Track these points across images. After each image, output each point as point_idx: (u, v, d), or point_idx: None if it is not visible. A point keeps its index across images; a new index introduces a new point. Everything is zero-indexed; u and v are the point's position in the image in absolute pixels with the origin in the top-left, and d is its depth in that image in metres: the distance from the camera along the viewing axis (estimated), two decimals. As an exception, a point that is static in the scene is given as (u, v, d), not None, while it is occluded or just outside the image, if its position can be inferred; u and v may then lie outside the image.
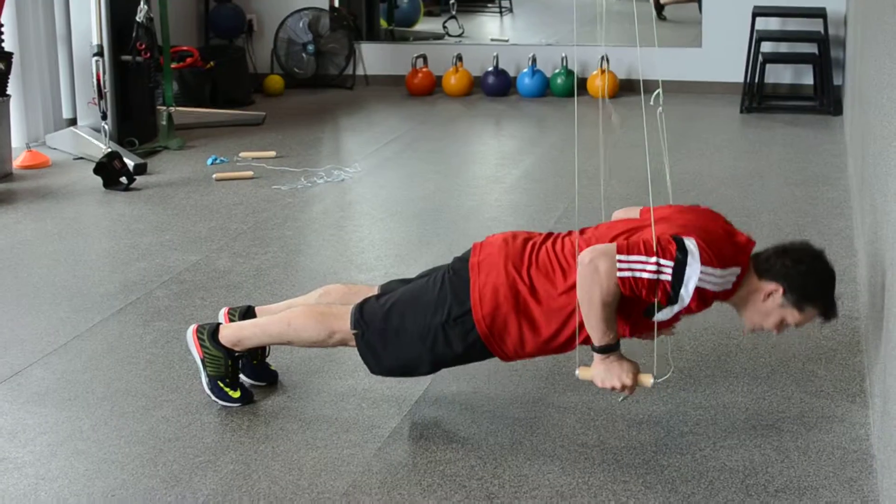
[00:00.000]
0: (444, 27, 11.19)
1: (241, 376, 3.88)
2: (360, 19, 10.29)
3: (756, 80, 8.65)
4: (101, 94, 7.01)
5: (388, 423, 3.69)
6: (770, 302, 3.39)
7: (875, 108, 4.67)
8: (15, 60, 7.10)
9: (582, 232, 3.49)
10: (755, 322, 3.46)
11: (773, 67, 8.95)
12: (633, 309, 3.35)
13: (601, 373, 3.36)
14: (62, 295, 4.87)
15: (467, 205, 6.29)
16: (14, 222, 5.98)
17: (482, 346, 3.48)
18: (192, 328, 3.84)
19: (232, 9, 9.80)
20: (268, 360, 3.97)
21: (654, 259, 3.22)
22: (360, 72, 9.90)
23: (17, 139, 7.25)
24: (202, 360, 3.79)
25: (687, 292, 3.26)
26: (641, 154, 3.58)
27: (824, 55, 8.57)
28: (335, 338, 3.63)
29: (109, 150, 6.71)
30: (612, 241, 3.37)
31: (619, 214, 3.72)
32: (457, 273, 3.52)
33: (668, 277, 3.24)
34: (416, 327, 3.50)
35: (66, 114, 7.96)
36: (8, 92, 6.93)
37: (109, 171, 6.58)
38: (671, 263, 3.23)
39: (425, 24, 11.70)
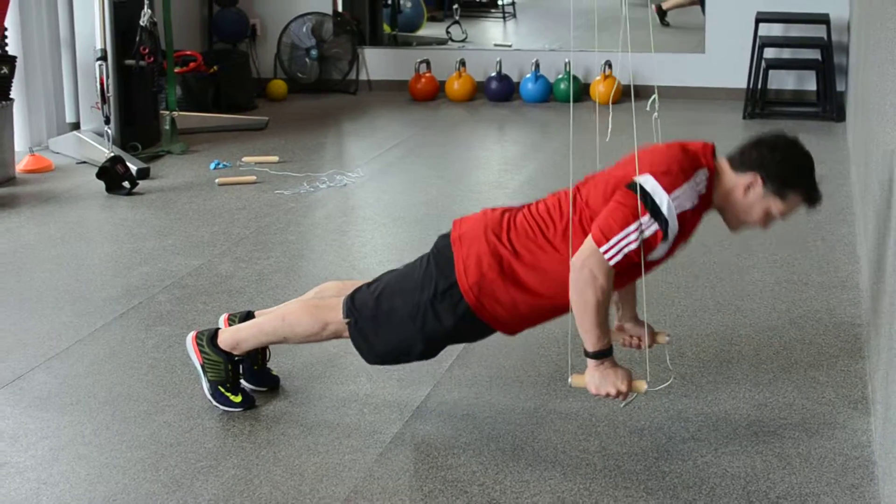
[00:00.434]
0: (448, 32, 11.20)
1: (243, 382, 3.88)
2: (364, 24, 10.29)
3: (759, 85, 8.64)
4: (104, 99, 7.01)
5: (390, 429, 3.69)
6: (751, 194, 3.38)
7: (878, 115, 4.67)
8: (18, 64, 7.10)
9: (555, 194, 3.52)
10: (740, 218, 3.44)
11: (776, 73, 8.95)
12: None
13: (595, 380, 3.35)
14: (64, 299, 4.88)
15: (470, 210, 6.22)
16: (17, 226, 5.99)
17: (473, 316, 3.46)
18: (191, 335, 3.84)
19: (235, 13, 9.81)
20: (269, 365, 3.97)
21: (632, 227, 3.22)
22: (363, 77, 9.91)
23: (20, 143, 7.25)
24: (202, 366, 3.80)
25: (673, 225, 3.26)
26: (635, 161, 3.58)
27: (827, 61, 8.57)
28: (329, 329, 3.63)
29: (112, 154, 6.71)
30: (587, 196, 3.39)
31: None
32: (440, 250, 3.54)
33: (655, 227, 3.24)
34: (405, 307, 3.50)
35: (70, 118, 7.96)
36: (11, 96, 6.94)
37: (112, 176, 6.58)
38: (647, 217, 3.23)
39: (429, 30, 11.71)
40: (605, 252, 3.24)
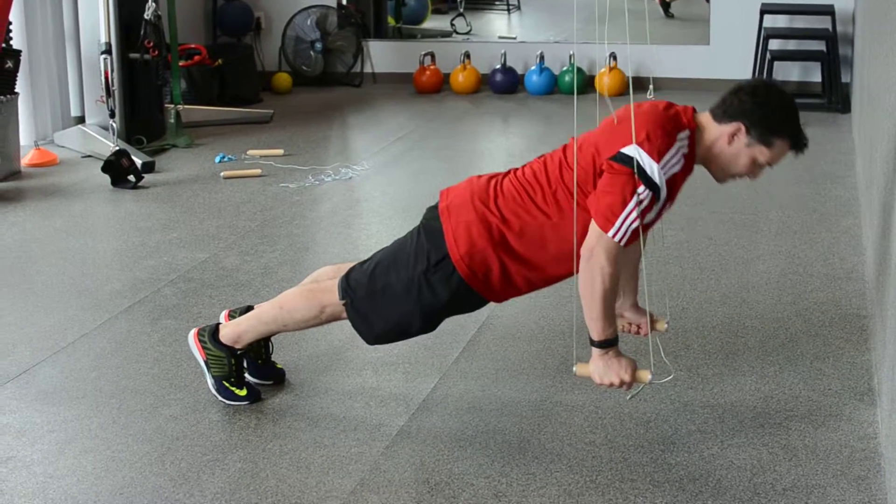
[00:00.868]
0: (452, 25, 11.19)
1: (248, 376, 3.88)
2: (368, 17, 10.29)
3: (764, 77, 8.63)
4: (109, 92, 7.01)
5: (396, 422, 3.69)
6: (736, 143, 3.36)
7: (883, 106, 4.67)
8: (23, 58, 7.11)
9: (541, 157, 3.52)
10: (726, 169, 3.42)
11: (780, 65, 8.93)
12: None
13: (599, 369, 3.34)
14: (70, 293, 4.88)
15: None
16: (22, 220, 6.00)
17: (467, 288, 3.45)
18: (192, 332, 3.84)
19: (240, 6, 9.81)
20: (274, 358, 3.98)
21: (633, 202, 3.21)
22: (367, 69, 9.91)
23: (25, 137, 7.26)
24: (206, 362, 3.80)
25: (663, 189, 3.25)
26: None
27: (832, 52, 8.56)
28: (326, 312, 3.62)
29: (117, 147, 6.72)
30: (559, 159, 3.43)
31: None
32: (429, 222, 3.52)
33: (650, 193, 3.23)
34: (399, 282, 3.49)
35: (74, 112, 7.98)
36: (16, 90, 6.94)
37: (117, 169, 6.59)
38: (642, 188, 3.22)
39: (433, 22, 11.70)
40: (614, 235, 3.22)
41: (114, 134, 6.95)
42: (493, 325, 4.44)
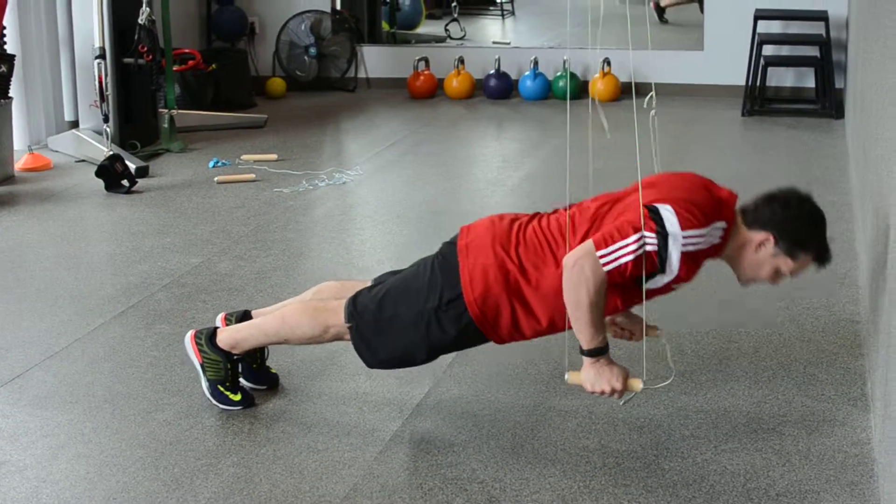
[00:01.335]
0: (446, 30, 11.19)
1: (242, 380, 3.88)
2: (362, 22, 10.29)
3: (758, 83, 8.64)
4: (102, 97, 7.01)
5: (390, 427, 3.69)
6: (762, 252, 3.38)
7: (876, 112, 4.67)
8: (17, 63, 7.10)
9: (569, 207, 3.49)
10: (749, 275, 3.45)
11: (774, 70, 8.95)
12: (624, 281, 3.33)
13: (591, 377, 3.35)
14: (64, 298, 4.88)
15: (469, 208, 6.29)
16: (16, 225, 5.99)
17: (476, 329, 3.46)
18: (189, 334, 3.84)
19: (234, 11, 9.80)
20: (268, 363, 3.97)
21: (633, 237, 3.21)
22: (361, 74, 9.90)
23: (18, 142, 7.24)
24: (202, 366, 3.79)
25: (673, 261, 3.25)
26: (641, 157, 3.58)
27: (826, 58, 8.57)
28: (330, 332, 3.62)
29: (111, 152, 6.71)
30: (595, 212, 3.38)
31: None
32: (446, 257, 3.52)
33: (654, 247, 3.23)
34: (409, 314, 3.49)
35: (68, 116, 7.97)
36: (10, 94, 6.93)
37: (111, 174, 6.58)
38: (653, 235, 3.22)
39: (427, 27, 11.70)
40: (602, 257, 3.23)
41: (107, 138, 6.94)
42: (486, 331, 4.43)
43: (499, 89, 9.43)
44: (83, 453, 3.53)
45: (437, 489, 3.32)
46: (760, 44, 8.60)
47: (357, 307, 3.57)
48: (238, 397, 3.79)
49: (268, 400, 3.88)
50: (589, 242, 3.26)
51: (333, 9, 9.84)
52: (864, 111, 5.75)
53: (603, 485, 3.33)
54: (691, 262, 3.29)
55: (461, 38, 11.07)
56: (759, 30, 8.65)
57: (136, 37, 7.20)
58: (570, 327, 3.40)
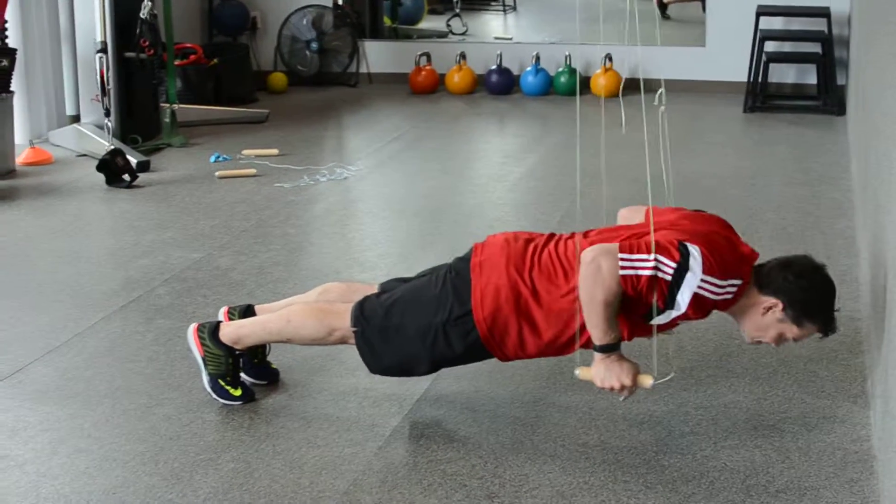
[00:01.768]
0: (448, 25, 11.18)
1: (243, 375, 3.88)
2: (364, 17, 10.29)
3: (759, 79, 8.64)
4: (104, 91, 7.00)
5: (390, 422, 3.69)
6: (769, 316, 3.39)
7: (878, 108, 4.67)
8: (18, 57, 7.10)
9: (585, 234, 3.49)
10: (753, 335, 3.48)
11: (776, 67, 8.94)
12: (633, 311, 3.34)
13: (601, 373, 3.35)
14: (64, 292, 4.88)
15: (470, 203, 6.29)
16: (16, 219, 5.99)
17: (481, 346, 3.48)
18: (192, 327, 3.84)
19: (236, 6, 9.80)
20: (269, 358, 3.97)
21: (653, 256, 3.23)
22: (363, 69, 9.90)
23: (20, 136, 7.24)
24: (203, 359, 3.80)
25: (683, 299, 3.27)
26: (645, 154, 3.58)
27: (828, 55, 8.56)
28: (335, 335, 3.62)
29: (112, 147, 6.71)
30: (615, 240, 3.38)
31: (624, 213, 3.72)
32: (458, 273, 3.51)
33: (668, 277, 3.24)
34: (416, 326, 3.50)
35: (70, 110, 7.96)
36: (11, 88, 6.93)
37: (112, 169, 6.58)
38: (673, 264, 3.23)
39: (429, 22, 11.69)
40: (622, 260, 3.24)
41: (109, 133, 6.94)
42: (487, 326, 4.43)
43: (500, 85, 9.42)
44: (83, 448, 3.53)
45: (436, 484, 3.32)
46: (762, 40, 8.60)
47: (364, 312, 3.57)
48: (238, 392, 3.79)
49: (268, 395, 3.88)
50: (614, 244, 3.27)
51: (335, 4, 9.84)
52: (865, 108, 5.75)
53: (603, 481, 3.33)
54: (699, 305, 3.31)
55: (463, 34, 11.06)
56: (761, 26, 8.64)
57: (137, 31, 7.19)
58: (575, 349, 3.43)
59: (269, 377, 3.96)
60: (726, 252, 3.34)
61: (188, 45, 8.83)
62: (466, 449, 3.52)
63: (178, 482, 3.33)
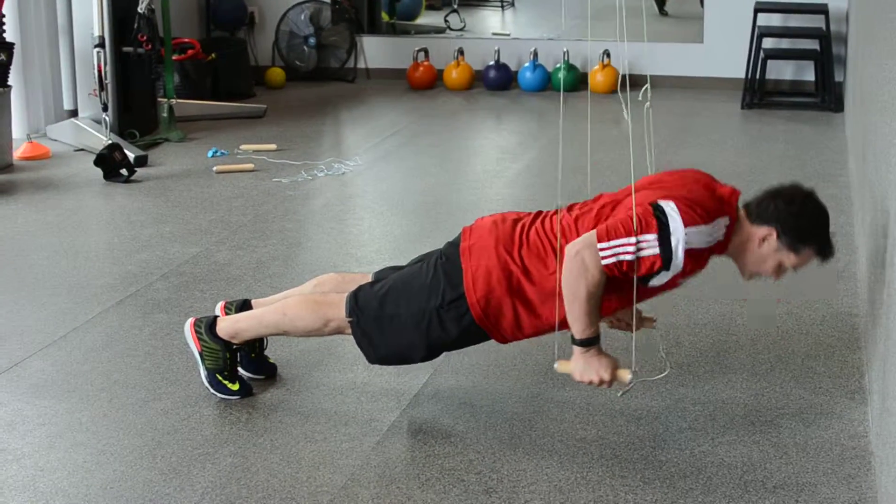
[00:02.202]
0: (446, 21, 11.18)
1: (240, 370, 3.88)
2: (362, 12, 10.27)
3: (757, 76, 8.64)
4: (102, 86, 7.00)
5: (387, 417, 3.69)
6: (765, 247, 3.39)
7: (876, 105, 4.67)
8: (16, 51, 7.09)
9: (569, 209, 3.50)
10: (752, 269, 3.46)
11: (774, 63, 8.94)
12: (627, 280, 3.33)
13: (580, 367, 3.36)
14: (62, 286, 4.87)
15: (468, 199, 6.29)
16: (14, 213, 5.98)
17: (477, 329, 3.48)
18: (189, 322, 3.84)
19: (234, 1, 9.79)
20: (266, 353, 3.97)
21: (633, 239, 3.23)
22: (361, 65, 9.89)
23: (17, 130, 7.24)
24: (200, 354, 3.80)
25: (677, 258, 3.25)
26: (639, 148, 3.59)
27: (826, 52, 8.57)
28: (330, 326, 3.63)
29: (110, 141, 6.71)
30: (597, 213, 3.39)
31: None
32: (449, 258, 3.53)
33: (655, 250, 3.23)
34: (410, 312, 3.50)
35: (67, 105, 7.96)
36: (9, 83, 6.92)
37: (110, 163, 6.58)
38: (654, 236, 3.23)
39: (427, 18, 11.69)
40: (602, 250, 3.24)
41: (106, 127, 6.93)
42: (484, 322, 4.43)
43: (498, 81, 9.42)
44: (80, 442, 3.53)
45: (434, 479, 3.32)
46: (760, 36, 8.60)
47: (359, 302, 3.57)
48: (236, 387, 3.79)
49: (266, 389, 3.88)
50: (592, 234, 3.27)
51: (333, -1, 9.84)
52: (863, 105, 5.75)
53: (600, 476, 3.33)
54: (696, 258, 3.30)
55: (461, 30, 11.06)
56: (758, 22, 8.65)
57: (135, 25, 7.20)
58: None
59: (267, 372, 3.96)
60: (706, 197, 3.33)
61: (186, 39, 8.82)
62: (464, 444, 3.52)
63: (176, 476, 3.33)
